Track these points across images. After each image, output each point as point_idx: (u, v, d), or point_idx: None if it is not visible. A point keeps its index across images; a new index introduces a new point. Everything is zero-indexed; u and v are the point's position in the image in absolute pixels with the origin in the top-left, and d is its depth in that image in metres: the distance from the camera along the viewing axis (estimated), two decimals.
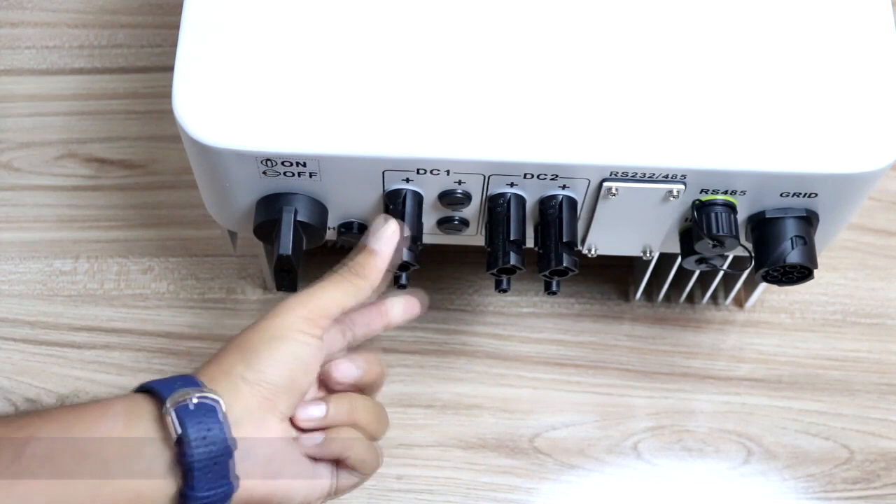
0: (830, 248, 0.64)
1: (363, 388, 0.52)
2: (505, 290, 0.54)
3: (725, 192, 0.51)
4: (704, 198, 0.52)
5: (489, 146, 0.50)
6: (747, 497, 0.63)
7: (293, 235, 0.52)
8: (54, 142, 0.73)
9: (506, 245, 0.52)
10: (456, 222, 0.55)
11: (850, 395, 0.66)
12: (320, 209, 0.53)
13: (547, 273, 0.53)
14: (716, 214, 0.52)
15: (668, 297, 0.68)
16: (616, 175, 0.51)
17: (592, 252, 0.57)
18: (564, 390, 0.66)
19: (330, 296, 0.49)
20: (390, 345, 0.66)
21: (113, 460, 0.43)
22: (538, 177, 0.51)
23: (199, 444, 0.44)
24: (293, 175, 0.51)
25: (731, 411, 0.65)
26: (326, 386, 0.51)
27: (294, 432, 0.49)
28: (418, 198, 0.52)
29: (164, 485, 0.44)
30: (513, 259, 0.52)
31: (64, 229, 0.70)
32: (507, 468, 0.63)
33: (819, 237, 0.54)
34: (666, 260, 0.62)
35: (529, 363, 0.66)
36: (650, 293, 0.68)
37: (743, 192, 0.51)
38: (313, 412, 0.49)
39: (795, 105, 0.51)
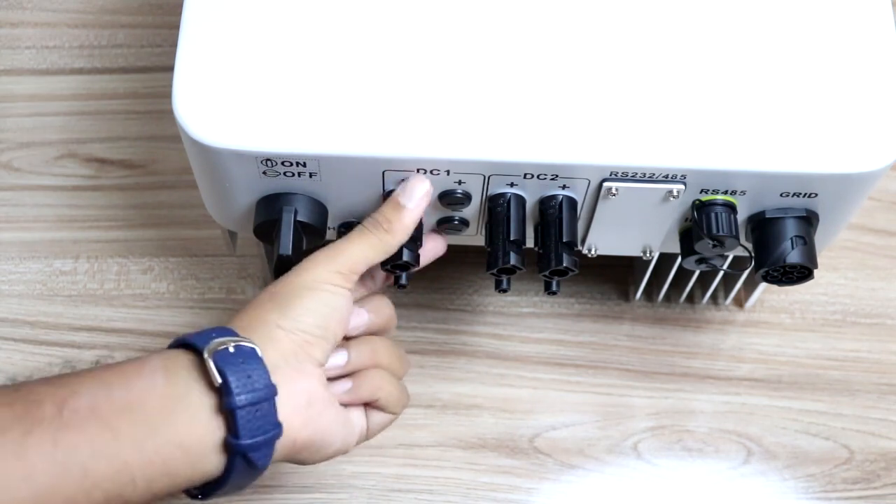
0: (830, 248, 0.64)
1: (377, 333, 0.53)
2: (505, 290, 0.54)
3: (725, 192, 0.51)
4: (704, 198, 0.52)
5: (489, 146, 0.50)
6: (747, 497, 0.63)
7: (293, 235, 0.52)
8: (54, 142, 0.73)
9: (506, 245, 0.52)
10: (456, 222, 0.55)
11: (850, 395, 0.66)
12: (320, 209, 0.53)
13: (547, 273, 0.53)
14: (716, 214, 0.52)
15: (668, 297, 0.68)
16: (616, 175, 0.51)
17: (592, 252, 0.57)
18: (564, 390, 0.66)
19: (359, 250, 0.50)
20: None
21: (155, 412, 0.44)
22: (538, 177, 0.51)
23: (240, 388, 0.44)
24: (293, 175, 0.51)
25: (731, 411, 0.65)
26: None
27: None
28: None
29: (209, 433, 0.44)
30: (513, 259, 0.52)
31: (64, 229, 0.70)
32: (507, 468, 0.63)
33: (819, 237, 0.54)
34: (666, 260, 0.62)
35: (529, 363, 0.66)
36: (650, 293, 0.68)
37: (743, 192, 0.51)
38: (336, 360, 0.51)
39: (795, 105, 0.51)
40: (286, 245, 0.51)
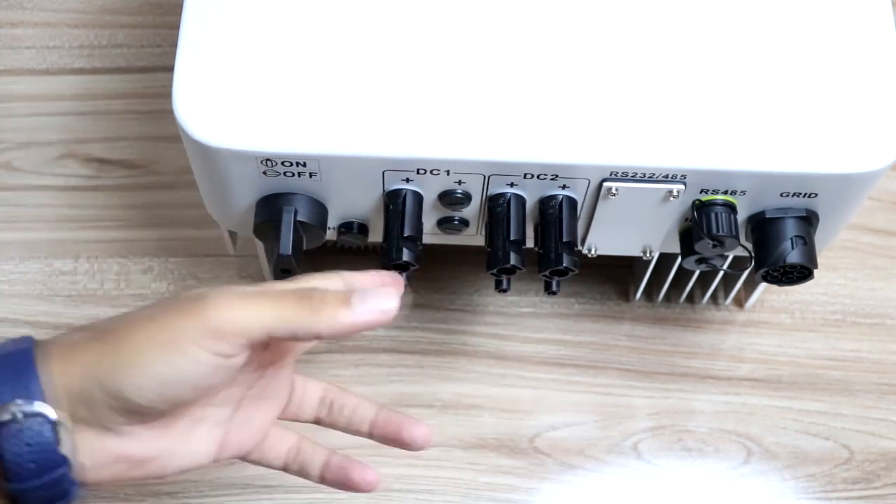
0: (830, 248, 0.64)
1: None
2: (505, 290, 0.54)
3: (725, 192, 0.51)
4: (704, 198, 0.52)
5: (489, 146, 0.50)
6: (747, 497, 0.63)
7: (293, 235, 0.52)
8: (54, 142, 0.73)
9: (506, 245, 0.52)
10: (456, 222, 0.55)
11: (850, 395, 0.66)
12: (320, 209, 0.53)
13: (547, 273, 0.53)
14: (716, 214, 0.52)
15: (668, 297, 0.68)
16: (616, 175, 0.51)
17: (592, 252, 0.57)
18: (564, 390, 0.66)
19: (260, 311, 0.39)
20: (391, 345, 0.66)
21: None
22: (538, 177, 0.51)
23: (23, 475, 0.37)
24: (293, 175, 0.51)
25: (731, 411, 0.65)
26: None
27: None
28: (418, 198, 0.52)
29: None
30: (513, 259, 0.52)
31: (64, 229, 0.70)
32: (507, 468, 0.63)
33: (819, 237, 0.54)
34: (666, 260, 0.62)
35: (529, 363, 0.66)
36: (650, 293, 0.68)
37: (743, 192, 0.51)
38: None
39: (795, 105, 0.51)
40: (286, 245, 0.51)
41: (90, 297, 0.68)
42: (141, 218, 0.70)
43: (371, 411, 0.50)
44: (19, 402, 0.37)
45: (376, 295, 0.41)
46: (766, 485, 0.63)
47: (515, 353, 0.67)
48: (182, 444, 0.43)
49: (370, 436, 0.49)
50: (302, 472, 0.50)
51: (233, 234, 0.61)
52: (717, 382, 0.66)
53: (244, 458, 0.49)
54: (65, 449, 0.38)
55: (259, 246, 0.61)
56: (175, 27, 0.51)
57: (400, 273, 0.54)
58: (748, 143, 0.50)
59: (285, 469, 0.50)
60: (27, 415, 0.37)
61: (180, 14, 0.52)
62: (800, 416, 0.65)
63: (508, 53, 0.52)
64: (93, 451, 0.40)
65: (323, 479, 0.50)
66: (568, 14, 0.53)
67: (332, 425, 0.51)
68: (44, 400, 0.38)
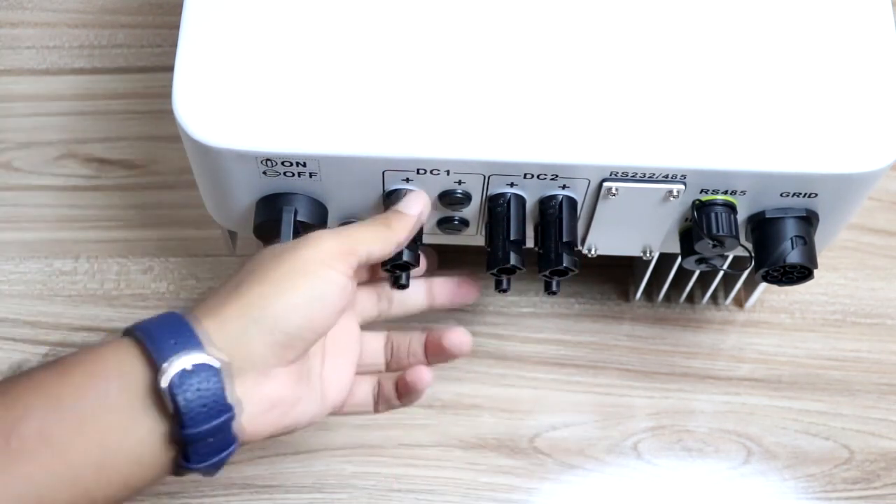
0: (830, 248, 0.64)
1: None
2: (505, 290, 0.54)
3: (725, 192, 0.51)
4: (704, 198, 0.52)
5: (489, 146, 0.50)
6: (747, 497, 0.63)
7: (293, 235, 0.52)
8: (54, 142, 0.73)
9: (506, 245, 0.52)
10: (456, 222, 0.55)
11: (850, 395, 0.66)
12: (320, 209, 0.53)
13: (547, 273, 0.53)
14: (716, 214, 0.52)
15: (668, 297, 0.68)
16: (616, 175, 0.51)
17: (592, 252, 0.57)
18: (564, 390, 0.66)
19: (361, 235, 0.49)
20: None
21: (111, 431, 0.41)
22: (538, 177, 0.51)
23: (195, 421, 0.41)
24: (293, 175, 0.51)
25: (731, 411, 0.65)
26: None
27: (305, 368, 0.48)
28: None
29: (164, 453, 0.43)
30: (513, 259, 0.52)
31: (64, 229, 0.70)
32: (507, 468, 0.63)
33: (819, 237, 0.54)
34: (666, 260, 0.62)
35: (529, 363, 0.66)
36: (650, 293, 0.68)
37: (743, 192, 0.51)
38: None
39: (795, 105, 0.51)
40: None
41: (90, 297, 0.68)
42: (141, 218, 0.70)
43: (421, 335, 0.55)
44: (188, 352, 0.42)
45: (411, 196, 0.51)
46: (766, 485, 0.63)
47: (515, 353, 0.67)
48: (309, 391, 0.49)
49: (427, 362, 0.55)
50: (390, 404, 0.54)
51: (233, 234, 0.61)
52: (717, 382, 0.66)
53: (339, 412, 0.53)
54: (230, 397, 0.42)
55: (259, 246, 0.61)
56: (175, 27, 0.51)
57: (399, 273, 0.54)
58: (748, 143, 0.50)
59: (377, 410, 0.55)
60: (195, 363, 0.42)
61: (180, 14, 0.52)
62: (800, 416, 0.65)
63: (508, 53, 0.52)
64: (252, 399, 0.44)
65: (401, 384, 0.54)
66: (567, 14, 0.53)
67: (399, 365, 0.55)
68: (206, 352, 0.42)
